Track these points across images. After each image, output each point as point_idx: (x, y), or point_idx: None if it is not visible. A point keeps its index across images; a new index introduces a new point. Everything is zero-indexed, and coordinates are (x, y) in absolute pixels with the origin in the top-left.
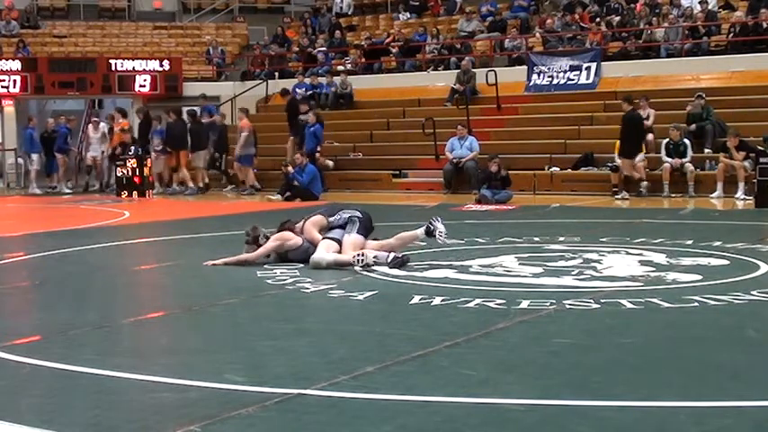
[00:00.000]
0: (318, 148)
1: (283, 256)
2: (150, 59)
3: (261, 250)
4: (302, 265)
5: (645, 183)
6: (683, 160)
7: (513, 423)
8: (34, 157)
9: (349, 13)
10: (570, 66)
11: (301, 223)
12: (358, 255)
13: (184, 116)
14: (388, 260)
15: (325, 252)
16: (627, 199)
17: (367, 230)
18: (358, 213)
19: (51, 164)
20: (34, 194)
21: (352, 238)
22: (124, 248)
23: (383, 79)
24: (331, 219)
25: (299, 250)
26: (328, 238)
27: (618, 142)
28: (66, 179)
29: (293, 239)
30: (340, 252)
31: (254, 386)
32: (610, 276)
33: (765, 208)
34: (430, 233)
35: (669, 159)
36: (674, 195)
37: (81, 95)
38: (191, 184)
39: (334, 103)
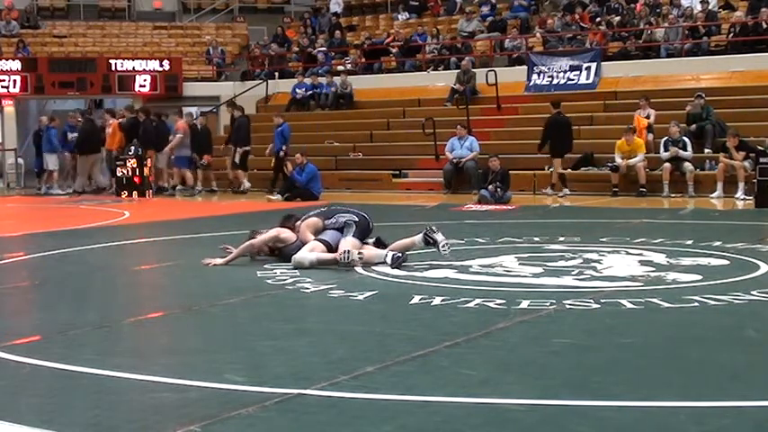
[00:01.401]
0: (284, 147)
1: (277, 252)
2: (150, 59)
3: (260, 239)
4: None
5: (565, 190)
6: (684, 153)
7: (513, 423)
8: (53, 157)
9: (338, 11)
10: (570, 66)
11: (299, 223)
12: (343, 252)
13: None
14: (387, 259)
15: (308, 252)
16: (555, 196)
17: (364, 234)
18: (354, 217)
19: (42, 164)
20: (51, 194)
21: (348, 241)
22: (124, 248)
23: (383, 79)
24: (327, 221)
25: (291, 246)
26: (318, 239)
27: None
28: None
29: (287, 234)
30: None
31: (254, 386)
32: (610, 276)
33: (765, 208)
34: (428, 243)
35: (666, 154)
36: (673, 195)
37: (81, 95)
38: None
39: (334, 103)
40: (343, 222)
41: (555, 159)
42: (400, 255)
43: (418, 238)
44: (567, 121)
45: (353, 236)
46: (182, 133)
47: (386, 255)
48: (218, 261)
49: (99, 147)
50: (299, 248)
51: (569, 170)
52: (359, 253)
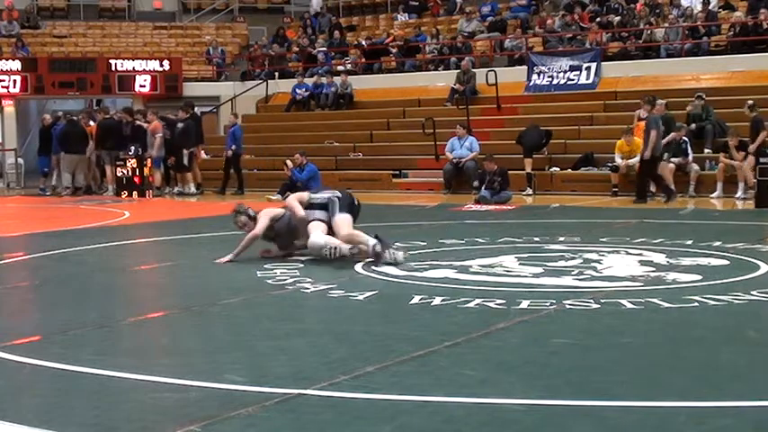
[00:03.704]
0: (233, 147)
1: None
2: (150, 59)
3: (260, 225)
4: (302, 264)
5: (528, 190)
6: (689, 159)
7: (513, 423)
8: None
9: (318, 10)
10: (570, 66)
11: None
12: (331, 248)
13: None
14: (378, 248)
15: (323, 235)
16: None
17: (349, 208)
18: (338, 193)
19: (44, 163)
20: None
21: (342, 217)
22: (124, 248)
23: (383, 79)
24: (313, 196)
25: (281, 221)
26: (319, 219)
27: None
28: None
29: (276, 211)
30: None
31: (254, 386)
32: (610, 276)
33: (765, 208)
34: (379, 253)
35: (673, 159)
36: None
37: (81, 95)
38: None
39: (334, 103)
40: (327, 199)
41: (525, 159)
42: (384, 242)
43: (372, 242)
44: (533, 124)
45: (341, 211)
46: (161, 133)
47: (371, 243)
48: (227, 258)
49: (82, 147)
50: (289, 221)
51: (570, 170)
52: (351, 247)
